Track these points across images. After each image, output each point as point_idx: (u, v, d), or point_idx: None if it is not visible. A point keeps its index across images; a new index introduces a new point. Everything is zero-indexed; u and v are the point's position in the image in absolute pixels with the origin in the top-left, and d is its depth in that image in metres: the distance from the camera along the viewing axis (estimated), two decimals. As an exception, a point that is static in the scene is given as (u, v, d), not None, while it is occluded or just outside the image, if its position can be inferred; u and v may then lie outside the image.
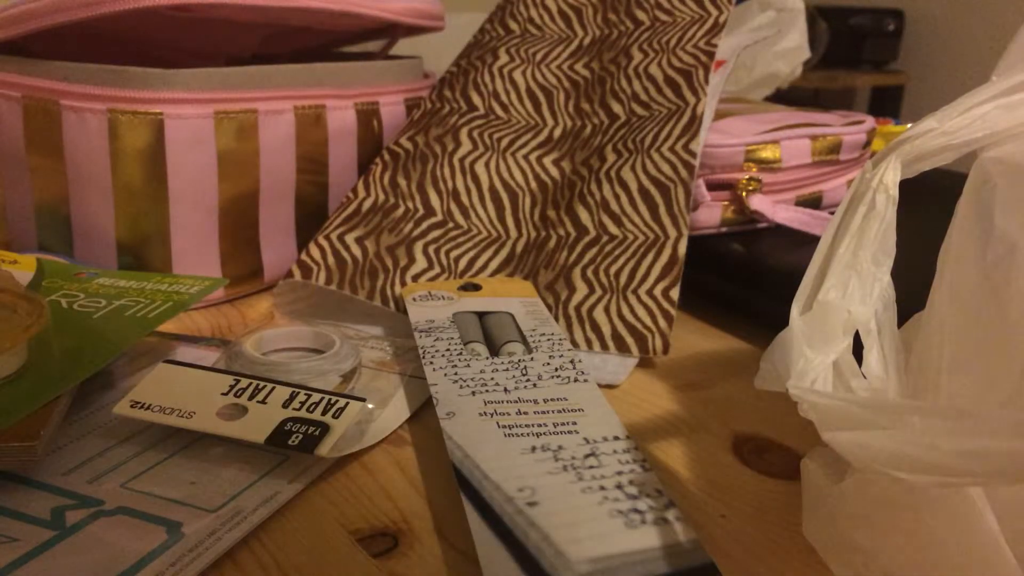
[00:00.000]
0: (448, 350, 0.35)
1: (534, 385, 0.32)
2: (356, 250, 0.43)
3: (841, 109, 0.62)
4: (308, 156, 0.47)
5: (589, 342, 0.39)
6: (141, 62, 0.42)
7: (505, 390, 0.32)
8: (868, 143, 0.54)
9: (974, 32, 2.06)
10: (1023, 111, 0.28)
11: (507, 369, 0.33)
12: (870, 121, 0.54)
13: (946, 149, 0.29)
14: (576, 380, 0.33)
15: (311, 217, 0.49)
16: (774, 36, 0.61)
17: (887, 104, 2.17)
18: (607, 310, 0.40)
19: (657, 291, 0.40)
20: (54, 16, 0.40)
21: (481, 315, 0.38)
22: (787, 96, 0.68)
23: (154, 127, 0.41)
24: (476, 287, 0.41)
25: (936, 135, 0.29)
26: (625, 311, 0.40)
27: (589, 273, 0.41)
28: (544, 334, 0.37)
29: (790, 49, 0.67)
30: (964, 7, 2.08)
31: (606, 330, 0.39)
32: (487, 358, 0.34)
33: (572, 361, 0.34)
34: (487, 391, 0.32)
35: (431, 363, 0.34)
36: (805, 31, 0.67)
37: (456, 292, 0.40)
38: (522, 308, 0.39)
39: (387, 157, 0.48)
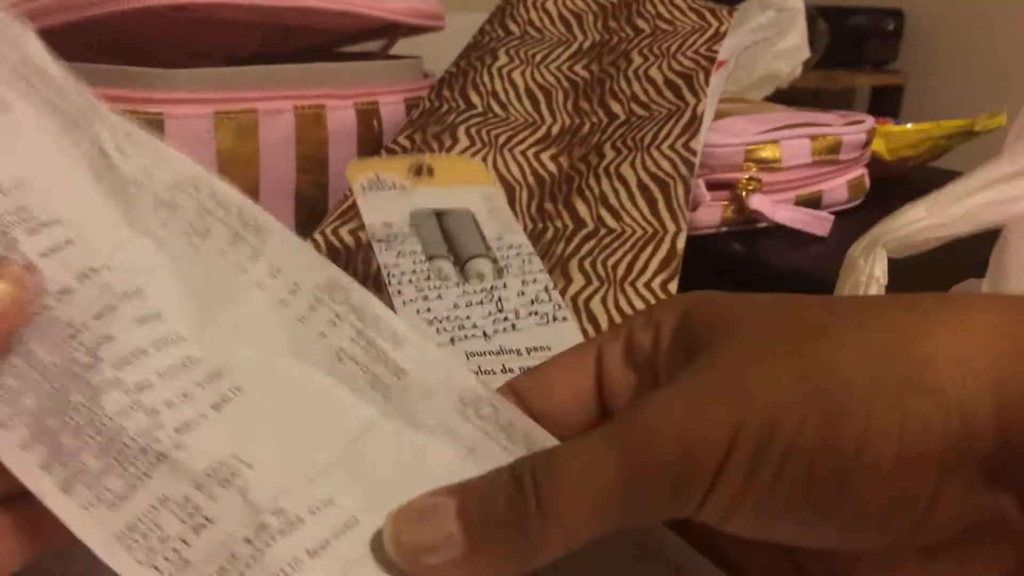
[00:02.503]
0: (415, 271, 0.32)
1: (513, 327, 0.31)
2: (349, 240, 0.43)
3: (841, 109, 0.62)
4: (308, 156, 0.47)
5: (585, 333, 0.39)
6: (141, 62, 0.42)
7: (484, 335, 0.31)
8: (868, 143, 0.54)
9: (974, 32, 2.06)
10: (1010, 207, 0.29)
11: (481, 302, 0.32)
12: (870, 121, 0.54)
13: (931, 241, 0.30)
14: (555, 319, 0.32)
15: (311, 217, 0.49)
16: (774, 36, 0.61)
17: (887, 104, 2.17)
18: (604, 302, 0.40)
19: (655, 284, 0.40)
20: (54, 16, 0.40)
21: (439, 214, 0.36)
22: (787, 96, 0.68)
23: (154, 127, 0.41)
24: (428, 170, 0.38)
25: (923, 226, 0.29)
26: (623, 303, 0.40)
27: (587, 265, 0.41)
28: (512, 246, 0.35)
29: (790, 49, 0.67)
30: (964, 7, 2.08)
31: (603, 321, 0.39)
32: (456, 284, 0.32)
33: (546, 288, 0.33)
34: (466, 336, 0.30)
35: (400, 293, 0.32)
36: (805, 31, 0.67)
37: (408, 177, 0.37)
38: (483, 203, 0.37)
39: (384, 156, 0.48)
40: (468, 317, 0.31)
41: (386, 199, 0.36)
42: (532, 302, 0.32)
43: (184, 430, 0.20)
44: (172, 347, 0.22)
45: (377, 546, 0.19)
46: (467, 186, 0.38)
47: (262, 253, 0.23)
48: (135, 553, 0.18)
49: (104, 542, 0.19)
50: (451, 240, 0.35)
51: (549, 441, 0.21)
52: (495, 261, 0.34)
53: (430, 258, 0.33)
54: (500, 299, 0.32)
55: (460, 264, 0.34)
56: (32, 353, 0.21)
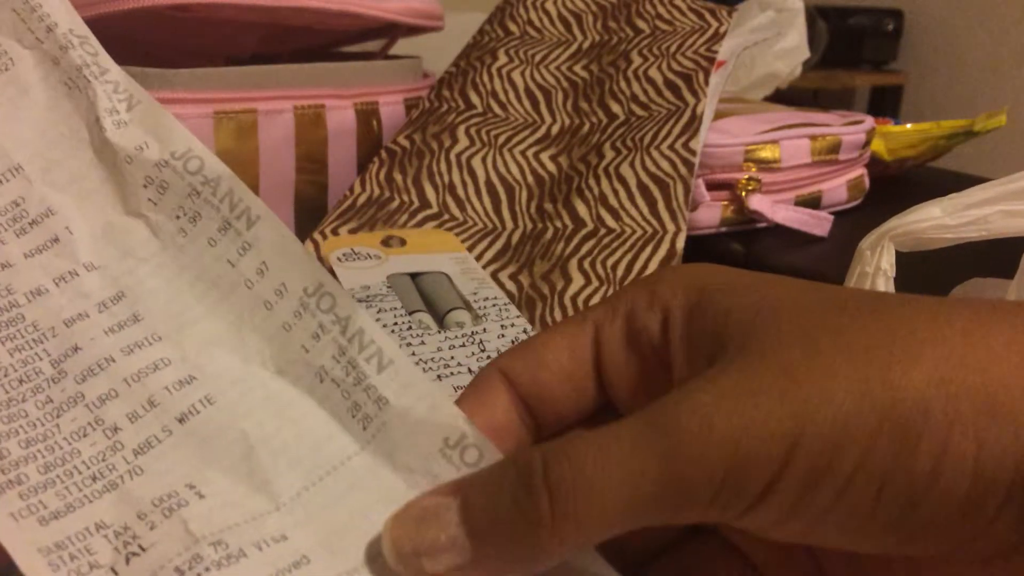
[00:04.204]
0: (396, 324, 0.34)
1: None
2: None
3: (840, 109, 0.62)
4: (307, 156, 0.47)
5: None
6: (141, 62, 0.42)
7: (469, 371, 0.31)
8: (867, 143, 0.54)
9: (974, 32, 2.07)
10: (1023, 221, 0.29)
11: (463, 345, 0.33)
12: (869, 121, 0.54)
13: (940, 240, 0.30)
14: None
15: (311, 217, 0.49)
16: (774, 36, 0.61)
17: (886, 104, 2.17)
18: None
19: None
20: (54, 16, 0.40)
21: (414, 276, 0.37)
22: (787, 96, 0.68)
23: (154, 127, 0.41)
24: (400, 241, 0.40)
25: (936, 226, 0.29)
26: None
27: (586, 265, 0.41)
28: (488, 299, 0.36)
29: (789, 49, 0.67)
30: (964, 7, 2.08)
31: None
32: (438, 331, 0.34)
33: (525, 331, 0.34)
34: (451, 373, 0.31)
35: None
36: (804, 31, 0.67)
37: (381, 248, 0.39)
38: (455, 265, 0.38)
39: (384, 155, 0.48)
40: (452, 358, 0.32)
41: (362, 268, 0.37)
42: (513, 341, 0.33)
43: (144, 450, 0.19)
44: (146, 349, 0.21)
45: None
46: (439, 253, 0.39)
47: (251, 245, 0.22)
48: (59, 573, 0.17)
49: (28, 554, 0.18)
50: (428, 298, 0.36)
51: None
52: (472, 311, 0.35)
53: (411, 312, 0.35)
54: (481, 341, 0.33)
55: (439, 318, 0.35)
56: None
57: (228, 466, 0.20)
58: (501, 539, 0.17)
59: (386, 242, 0.40)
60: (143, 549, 0.18)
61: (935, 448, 0.15)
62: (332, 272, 0.36)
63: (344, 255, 0.38)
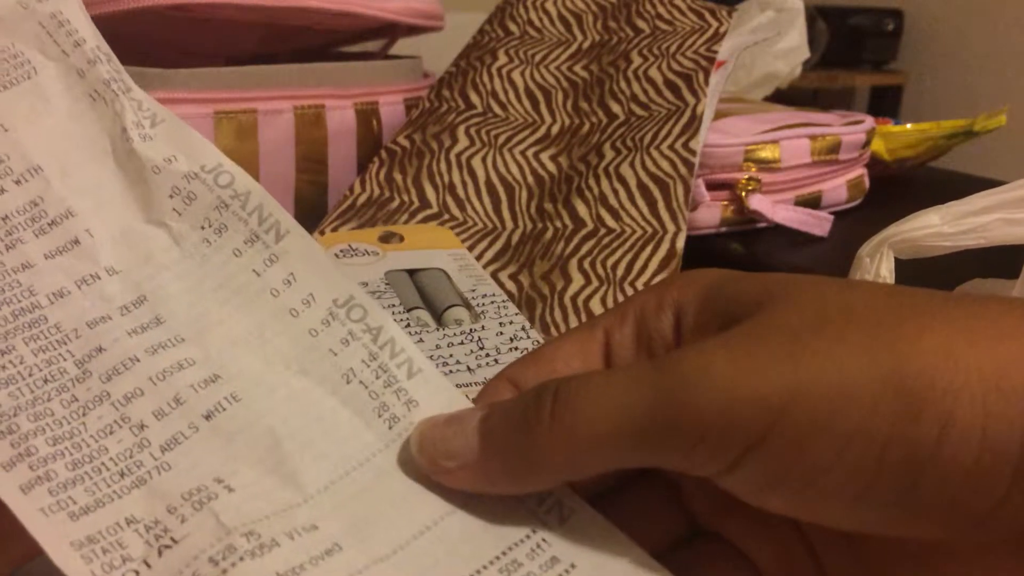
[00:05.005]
0: (395, 321, 0.34)
1: (496, 360, 0.32)
2: None
3: (840, 109, 0.62)
4: (308, 156, 0.47)
5: None
6: (141, 62, 0.42)
7: (468, 369, 0.31)
8: (867, 143, 0.54)
9: (974, 32, 2.06)
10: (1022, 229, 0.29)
11: (462, 343, 0.33)
12: (869, 121, 0.54)
13: (938, 248, 0.30)
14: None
15: (311, 217, 0.49)
16: (774, 36, 0.61)
17: (886, 104, 2.17)
18: (604, 302, 0.40)
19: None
20: (54, 16, 0.40)
21: (412, 272, 0.37)
22: (787, 96, 0.68)
23: (154, 127, 0.41)
24: (397, 237, 0.40)
25: (934, 234, 0.29)
26: None
27: (586, 264, 0.41)
28: (487, 296, 0.36)
29: (789, 49, 0.67)
30: (964, 7, 2.08)
31: (604, 326, 0.39)
32: (436, 328, 0.34)
33: (524, 328, 0.34)
34: (451, 371, 0.31)
35: None
36: (804, 31, 0.67)
37: (379, 244, 0.39)
38: (453, 262, 0.38)
39: (384, 155, 0.48)
40: (451, 355, 0.32)
41: (360, 264, 0.37)
42: (511, 339, 0.33)
43: (170, 447, 0.20)
44: (170, 350, 0.21)
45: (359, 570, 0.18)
46: (436, 250, 0.39)
47: (279, 257, 0.22)
48: (92, 565, 0.18)
49: (60, 548, 0.18)
50: (426, 295, 0.36)
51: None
52: (471, 308, 0.35)
53: (409, 310, 0.35)
54: (480, 339, 0.33)
55: (437, 315, 0.35)
56: (13, 349, 0.20)
57: (255, 460, 0.20)
58: (503, 443, 0.19)
59: (384, 238, 0.40)
60: (175, 541, 0.18)
61: (940, 416, 0.15)
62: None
63: (342, 251, 0.38)
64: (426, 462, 0.20)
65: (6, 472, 0.19)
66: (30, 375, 0.20)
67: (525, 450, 0.18)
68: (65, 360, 0.20)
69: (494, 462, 0.19)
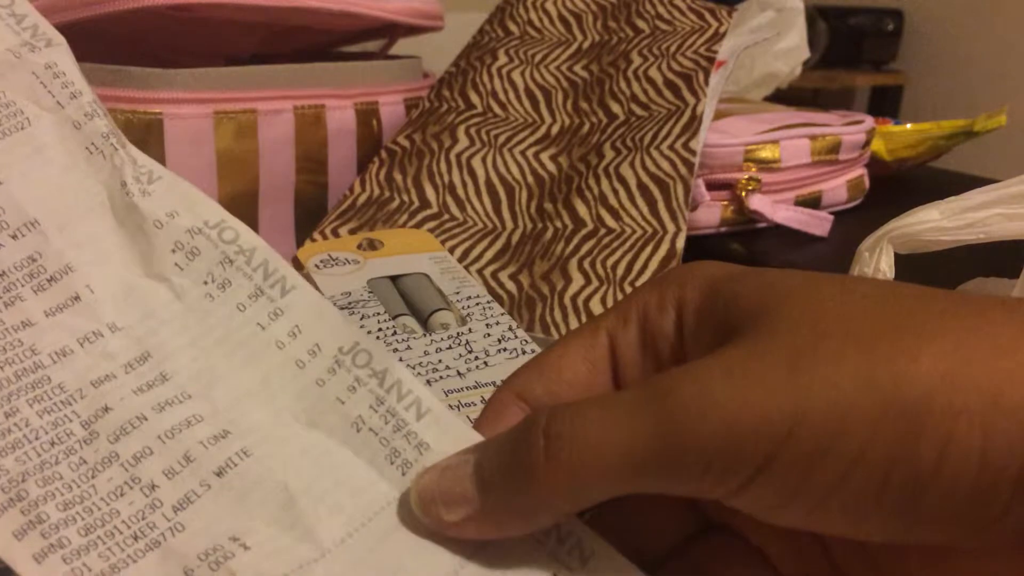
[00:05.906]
0: (381, 330, 0.34)
1: (485, 363, 0.32)
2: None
3: (840, 109, 0.62)
4: (307, 156, 0.47)
5: None
6: (141, 62, 0.42)
7: (458, 374, 0.31)
8: (867, 143, 0.54)
9: (974, 32, 2.06)
10: (1022, 224, 0.29)
11: (450, 347, 0.33)
12: (869, 121, 0.54)
13: (938, 243, 0.30)
14: (524, 352, 0.32)
15: (311, 217, 0.49)
16: (774, 36, 0.61)
17: (886, 104, 2.17)
18: (604, 302, 0.40)
19: None
20: (54, 16, 0.40)
21: (395, 279, 0.37)
22: (787, 96, 0.68)
23: (153, 127, 0.41)
24: (377, 244, 0.40)
25: (934, 228, 0.29)
26: None
27: (586, 264, 0.41)
28: (471, 297, 0.36)
29: (790, 49, 0.67)
30: (964, 7, 2.08)
31: (604, 327, 0.39)
32: (424, 335, 0.33)
33: (511, 328, 0.34)
34: (440, 377, 0.31)
35: None
36: (804, 31, 0.67)
37: (358, 252, 0.39)
38: (434, 265, 0.38)
39: (384, 155, 0.48)
40: (440, 361, 0.32)
41: (341, 274, 0.37)
42: (499, 340, 0.33)
43: (183, 506, 0.19)
44: (177, 407, 0.21)
45: None
46: (417, 254, 0.39)
47: (284, 311, 0.22)
48: None
49: None
50: (410, 300, 0.36)
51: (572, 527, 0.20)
52: (456, 311, 0.35)
53: (394, 317, 0.34)
54: (468, 342, 0.33)
55: (423, 320, 0.35)
56: (18, 411, 0.20)
57: (270, 516, 0.20)
58: (502, 489, 0.18)
59: (362, 246, 0.39)
60: None
61: (939, 438, 0.15)
62: (310, 279, 0.36)
63: (322, 261, 0.38)
64: (431, 522, 0.19)
65: (18, 541, 0.18)
66: (36, 438, 0.20)
67: (525, 492, 0.18)
68: (71, 421, 0.20)
69: (497, 509, 0.18)
